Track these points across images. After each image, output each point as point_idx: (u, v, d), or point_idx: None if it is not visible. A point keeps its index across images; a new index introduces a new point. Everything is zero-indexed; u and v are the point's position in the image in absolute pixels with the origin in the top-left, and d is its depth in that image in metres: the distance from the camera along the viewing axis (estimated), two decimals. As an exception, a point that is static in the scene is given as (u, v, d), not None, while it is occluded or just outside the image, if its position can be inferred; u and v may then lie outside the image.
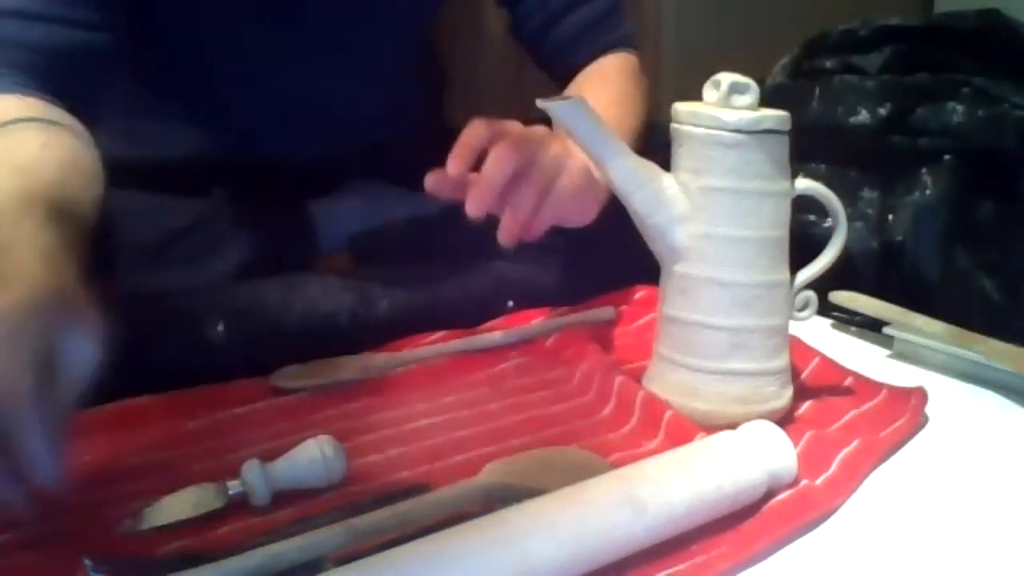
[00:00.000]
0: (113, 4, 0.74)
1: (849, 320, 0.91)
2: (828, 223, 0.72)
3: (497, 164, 0.66)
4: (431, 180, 0.68)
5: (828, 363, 0.78)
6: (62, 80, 0.71)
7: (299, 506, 0.56)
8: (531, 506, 0.49)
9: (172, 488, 0.57)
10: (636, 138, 0.83)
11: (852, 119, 0.96)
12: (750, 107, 0.66)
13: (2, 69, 0.70)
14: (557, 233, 0.89)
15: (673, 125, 0.67)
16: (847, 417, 0.70)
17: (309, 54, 0.87)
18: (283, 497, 0.56)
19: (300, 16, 0.85)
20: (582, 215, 0.75)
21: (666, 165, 0.68)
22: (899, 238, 0.93)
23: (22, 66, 0.70)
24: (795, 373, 0.73)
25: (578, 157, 0.71)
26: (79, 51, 0.73)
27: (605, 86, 0.89)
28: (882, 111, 0.95)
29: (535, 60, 0.97)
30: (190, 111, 0.89)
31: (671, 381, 0.68)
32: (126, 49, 0.75)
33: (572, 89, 0.90)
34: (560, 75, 0.95)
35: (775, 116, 0.65)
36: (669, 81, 1.44)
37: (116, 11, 0.74)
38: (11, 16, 0.70)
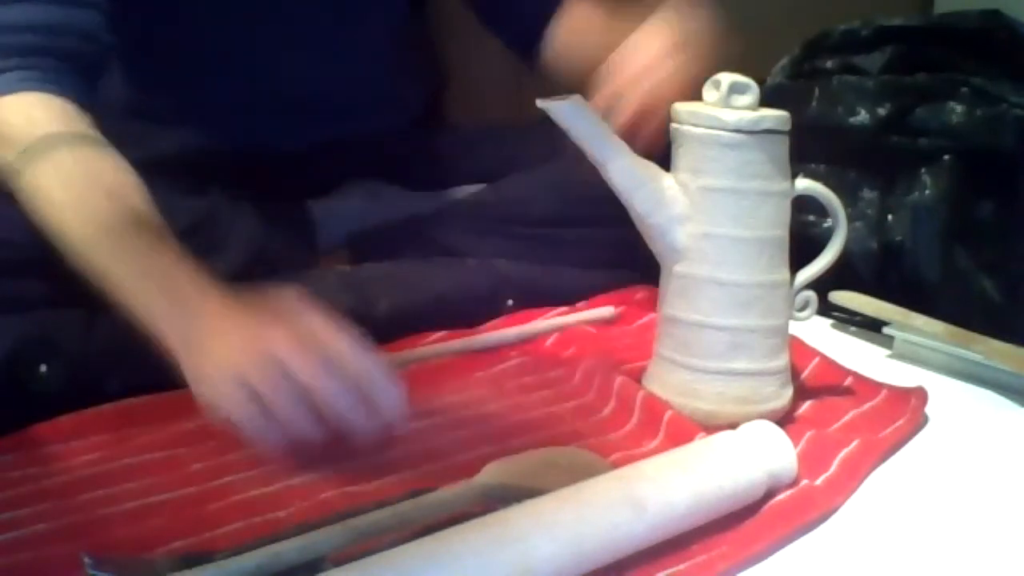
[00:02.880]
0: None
1: (849, 320, 0.91)
2: (828, 223, 0.72)
3: None
4: None
5: (828, 363, 0.78)
6: (68, 59, 0.72)
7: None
8: (531, 506, 0.49)
9: (172, 488, 0.57)
10: None
11: (852, 119, 0.96)
12: (750, 107, 0.66)
13: (26, 59, 0.71)
14: (559, 228, 0.89)
15: (673, 125, 0.67)
16: (847, 417, 0.70)
17: (299, 45, 0.87)
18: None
19: (287, 6, 0.85)
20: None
21: (666, 165, 0.68)
22: (899, 238, 0.93)
23: (33, 50, 0.71)
24: (795, 373, 0.73)
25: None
26: (93, 29, 0.73)
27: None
28: (882, 111, 0.95)
29: (502, 40, 0.96)
30: (185, 109, 0.89)
31: (671, 381, 0.68)
32: (114, 32, 0.76)
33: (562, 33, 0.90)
34: (522, 47, 0.95)
35: (775, 116, 0.65)
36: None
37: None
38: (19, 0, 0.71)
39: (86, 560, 0.47)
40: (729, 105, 0.66)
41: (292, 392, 0.55)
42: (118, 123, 0.77)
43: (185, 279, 0.61)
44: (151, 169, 0.71)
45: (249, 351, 0.56)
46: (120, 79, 0.88)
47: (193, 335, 0.59)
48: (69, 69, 0.72)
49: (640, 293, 0.90)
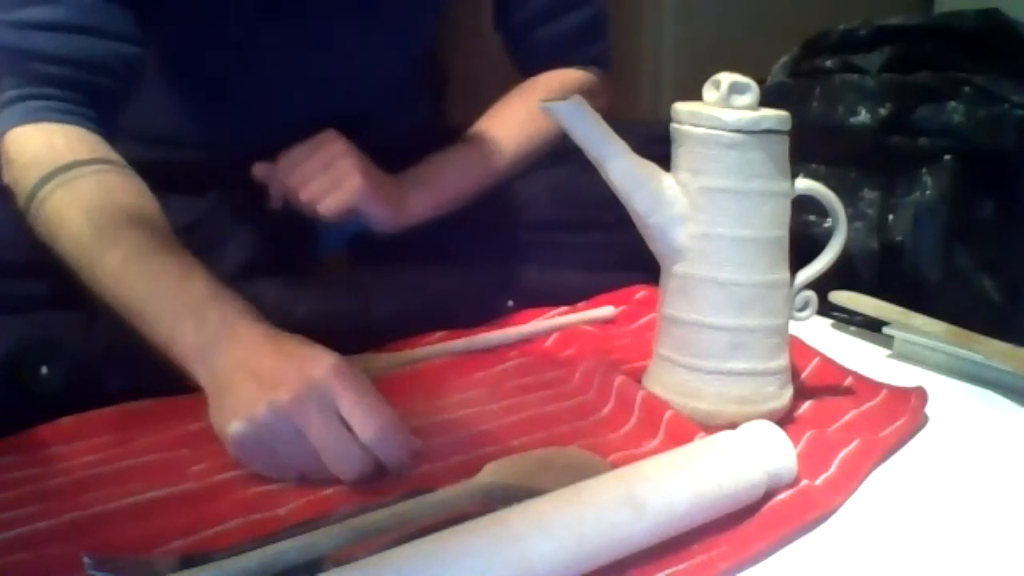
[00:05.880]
0: (137, 13, 0.74)
1: (849, 320, 0.91)
2: (828, 223, 0.72)
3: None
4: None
5: (828, 363, 0.78)
6: (95, 93, 0.72)
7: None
8: (531, 506, 0.49)
9: (172, 489, 0.57)
10: (526, 152, 0.91)
11: (852, 119, 0.96)
12: (750, 107, 0.66)
13: (55, 91, 0.71)
14: (560, 232, 0.89)
15: (673, 125, 0.67)
16: (847, 417, 0.70)
17: (310, 56, 0.87)
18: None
19: (300, 18, 0.85)
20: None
21: (666, 165, 0.68)
22: (899, 238, 0.93)
23: (57, 81, 0.70)
24: (795, 373, 0.73)
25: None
26: (114, 63, 0.73)
27: (522, 100, 0.94)
28: (882, 111, 0.95)
29: (506, 49, 1.00)
30: (191, 112, 0.89)
31: (671, 381, 0.68)
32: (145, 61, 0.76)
33: (508, 95, 0.95)
34: (524, 72, 0.98)
35: (775, 116, 0.65)
36: (669, 81, 1.44)
37: (139, 20, 0.74)
38: (48, 29, 0.70)
39: (87, 560, 0.47)
40: (729, 105, 0.66)
41: (303, 451, 0.57)
42: (124, 123, 0.77)
43: (216, 313, 0.61)
44: (155, 169, 0.71)
45: (267, 406, 0.56)
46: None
47: (220, 372, 0.59)
48: (95, 104, 0.72)
49: (640, 293, 0.90)
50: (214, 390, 0.59)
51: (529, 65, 0.98)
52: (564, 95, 0.92)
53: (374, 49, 0.90)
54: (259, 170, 0.81)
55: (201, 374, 0.60)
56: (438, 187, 0.86)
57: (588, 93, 0.94)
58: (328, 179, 0.80)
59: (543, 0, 0.95)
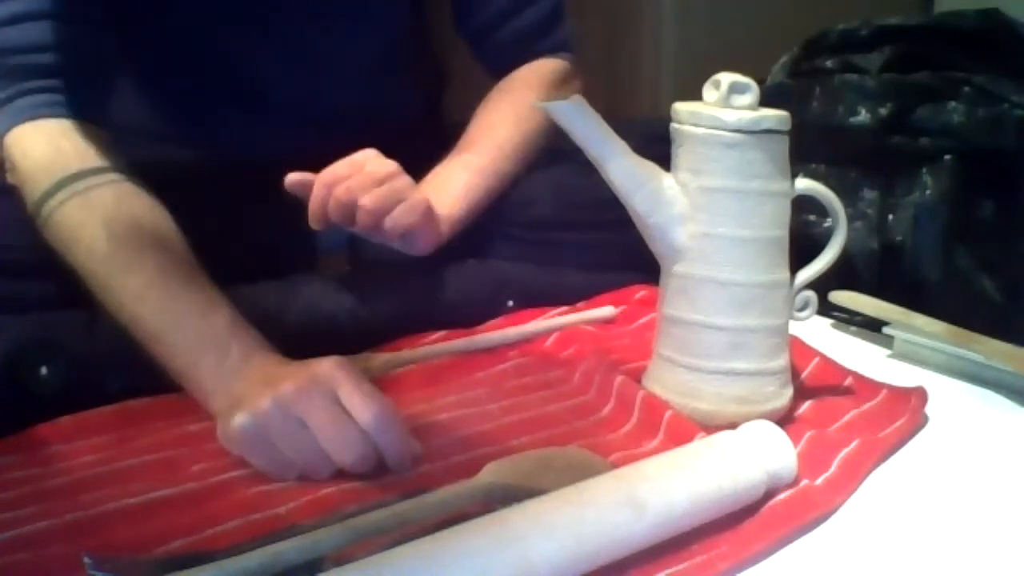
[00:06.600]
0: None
1: (849, 320, 0.91)
2: (828, 223, 0.72)
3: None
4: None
5: (828, 363, 0.78)
6: (72, 76, 0.72)
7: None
8: (531, 506, 0.49)
9: (172, 489, 0.57)
10: (524, 149, 0.89)
11: (852, 119, 0.96)
12: (750, 107, 0.66)
13: (38, 82, 0.71)
14: (560, 231, 0.89)
15: (673, 125, 0.67)
16: (847, 417, 0.70)
17: (292, 55, 0.87)
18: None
19: (278, 16, 0.85)
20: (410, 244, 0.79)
21: (666, 165, 0.68)
22: (899, 238, 0.93)
23: (39, 71, 0.71)
24: (795, 373, 0.73)
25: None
26: (82, 44, 0.73)
27: (509, 101, 0.92)
28: (882, 111, 0.95)
29: (472, 53, 0.99)
30: (186, 113, 0.89)
31: (671, 381, 0.68)
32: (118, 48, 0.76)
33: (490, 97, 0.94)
34: (494, 72, 0.97)
35: (775, 116, 0.65)
36: (669, 81, 1.44)
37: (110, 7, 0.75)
38: (20, 21, 0.71)
39: (87, 560, 0.47)
40: (729, 105, 0.66)
41: (304, 442, 0.58)
42: (120, 124, 0.77)
43: (237, 346, 0.63)
44: (153, 170, 0.71)
45: (271, 398, 0.58)
46: (123, 82, 0.88)
47: (235, 394, 0.60)
48: (76, 87, 0.72)
49: (640, 293, 0.90)
50: (227, 410, 0.60)
51: (499, 65, 0.96)
52: (546, 88, 0.93)
53: (342, 43, 0.90)
54: (292, 181, 0.76)
55: (220, 403, 0.61)
56: (457, 204, 0.84)
57: (564, 80, 0.95)
58: (388, 192, 0.76)
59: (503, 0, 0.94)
